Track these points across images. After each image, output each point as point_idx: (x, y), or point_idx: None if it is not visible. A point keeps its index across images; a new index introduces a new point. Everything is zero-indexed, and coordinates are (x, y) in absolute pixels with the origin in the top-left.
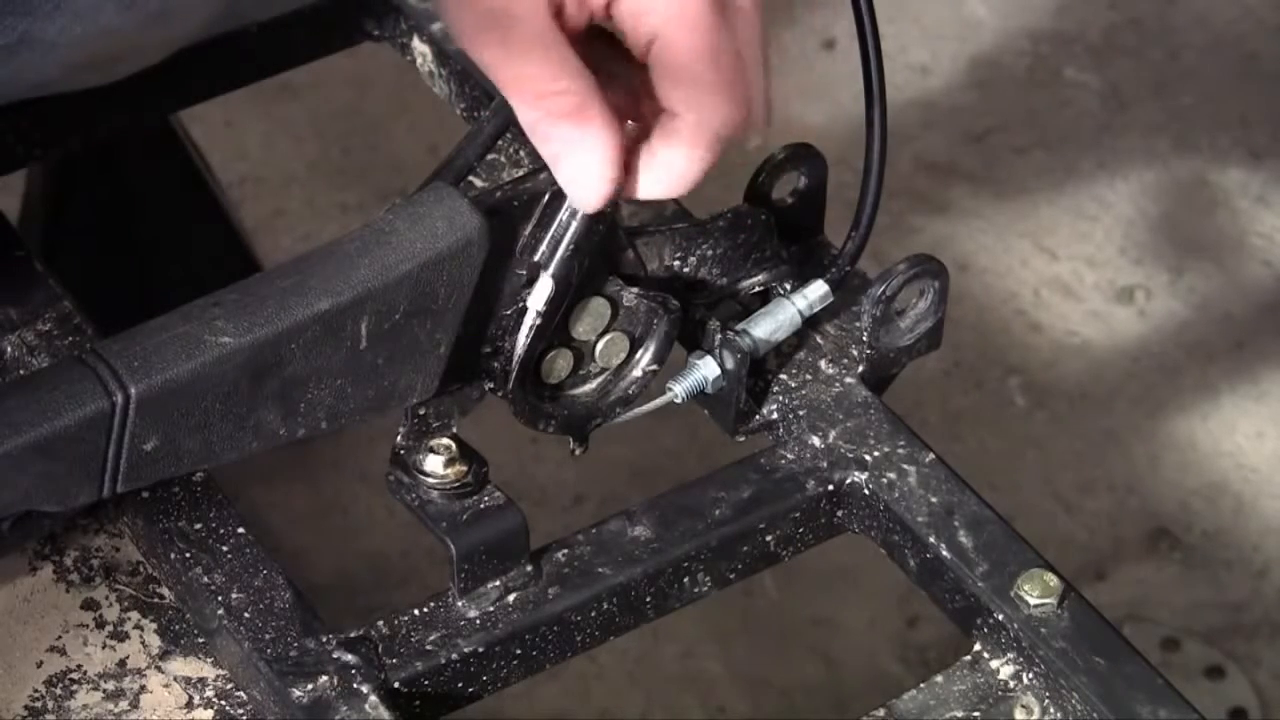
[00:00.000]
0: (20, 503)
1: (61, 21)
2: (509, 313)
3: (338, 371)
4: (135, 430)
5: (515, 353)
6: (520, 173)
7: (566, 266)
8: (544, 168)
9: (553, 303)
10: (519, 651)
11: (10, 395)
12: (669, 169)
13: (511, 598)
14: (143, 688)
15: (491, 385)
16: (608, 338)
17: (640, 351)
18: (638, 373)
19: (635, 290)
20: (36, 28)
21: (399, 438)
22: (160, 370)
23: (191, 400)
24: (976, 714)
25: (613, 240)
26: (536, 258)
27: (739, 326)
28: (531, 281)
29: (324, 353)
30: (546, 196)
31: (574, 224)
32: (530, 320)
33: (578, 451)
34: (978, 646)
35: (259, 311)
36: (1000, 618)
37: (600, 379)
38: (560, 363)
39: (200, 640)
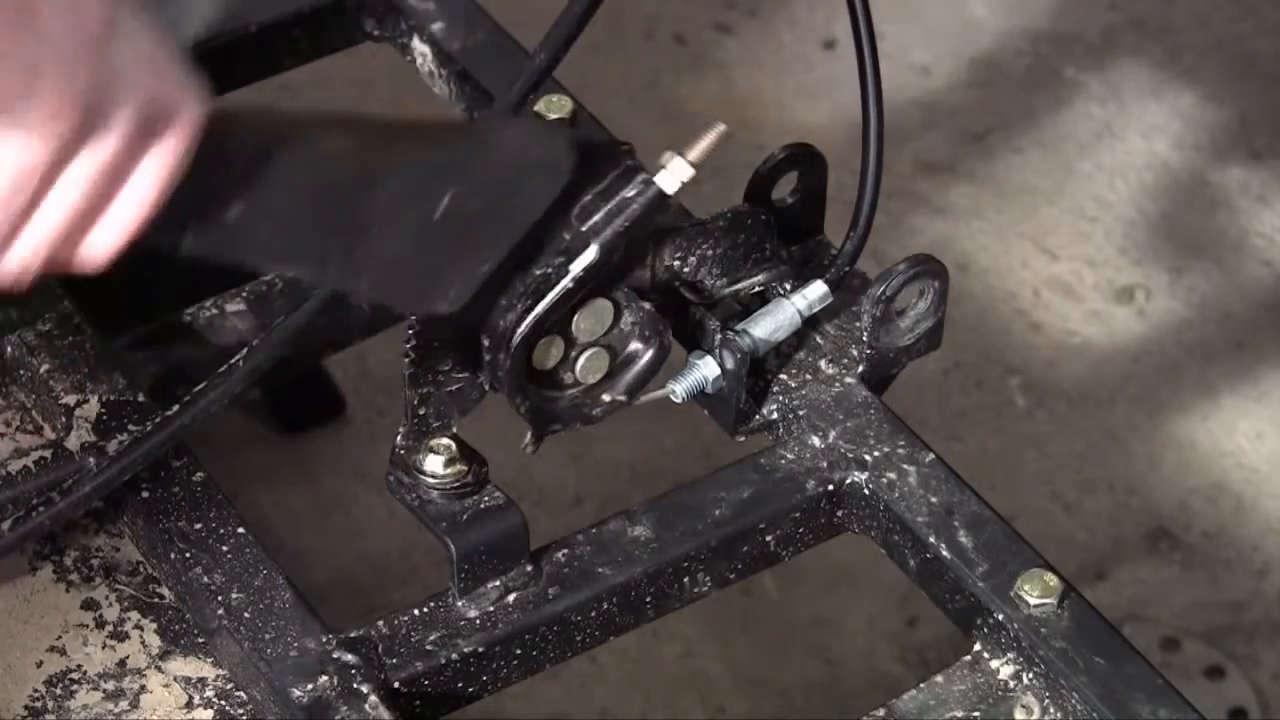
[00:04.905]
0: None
1: None
2: (539, 273)
3: (405, 229)
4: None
5: (534, 312)
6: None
7: (614, 242)
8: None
9: (590, 271)
10: (519, 651)
11: None
12: None
13: (511, 598)
14: (143, 688)
15: (489, 344)
16: (590, 352)
17: (616, 379)
18: (606, 398)
19: (639, 305)
20: None
21: (399, 438)
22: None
23: (294, 177)
24: (976, 714)
25: (644, 247)
26: (589, 225)
27: (739, 326)
28: (574, 250)
29: (409, 199)
30: (621, 167)
31: (634, 204)
32: (565, 285)
33: (529, 450)
34: (978, 646)
35: (380, 132)
36: (1000, 618)
37: (572, 391)
38: (552, 351)
39: (200, 640)
